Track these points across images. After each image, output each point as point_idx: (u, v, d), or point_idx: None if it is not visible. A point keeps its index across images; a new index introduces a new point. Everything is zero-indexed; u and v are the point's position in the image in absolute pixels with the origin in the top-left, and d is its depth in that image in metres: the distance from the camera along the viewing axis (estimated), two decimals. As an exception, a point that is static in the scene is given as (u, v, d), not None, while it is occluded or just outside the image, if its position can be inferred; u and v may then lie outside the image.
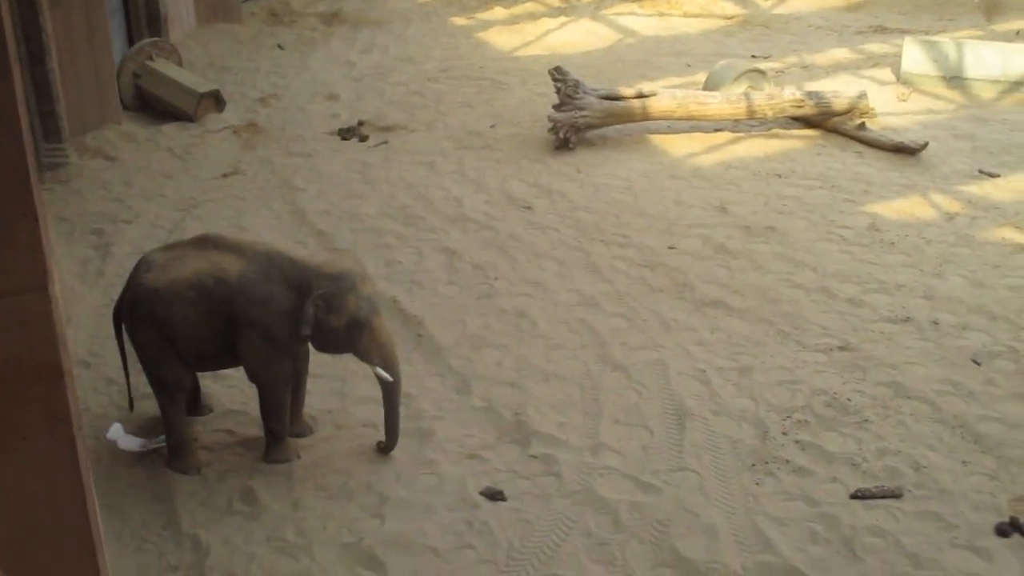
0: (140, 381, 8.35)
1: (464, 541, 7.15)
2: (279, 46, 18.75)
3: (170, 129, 14.90)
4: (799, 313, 9.95)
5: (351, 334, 7.79)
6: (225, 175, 13.47)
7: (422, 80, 17.01)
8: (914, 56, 15.96)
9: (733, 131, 14.29)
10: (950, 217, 11.78)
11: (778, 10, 20.55)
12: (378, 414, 8.52)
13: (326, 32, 19.59)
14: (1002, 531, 7.20)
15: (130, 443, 8.32)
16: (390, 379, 7.96)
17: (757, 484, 7.72)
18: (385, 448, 8.12)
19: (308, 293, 7.64)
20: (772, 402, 8.62)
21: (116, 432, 8.39)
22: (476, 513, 7.47)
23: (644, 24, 19.95)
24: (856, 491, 7.58)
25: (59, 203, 12.51)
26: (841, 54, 17.71)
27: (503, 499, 7.63)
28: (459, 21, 20.56)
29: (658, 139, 14.19)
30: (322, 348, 7.95)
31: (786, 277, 10.62)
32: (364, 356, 7.90)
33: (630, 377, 9.00)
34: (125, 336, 8.07)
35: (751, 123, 14.38)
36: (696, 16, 20.44)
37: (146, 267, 7.88)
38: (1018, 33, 18.24)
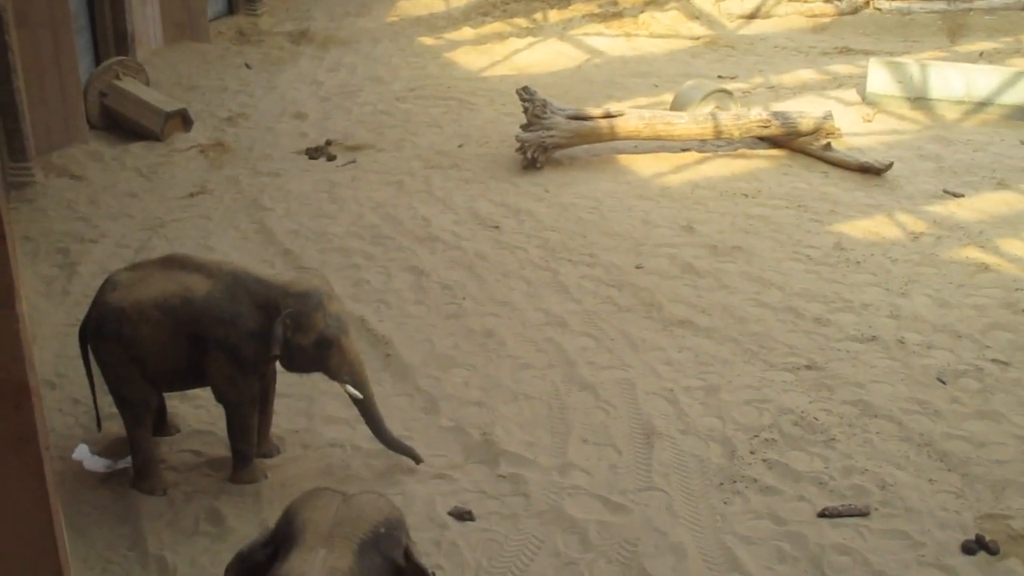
0: (106, 401, 8.30)
1: (432, 561, 7.13)
2: (247, 65, 18.71)
3: (137, 148, 14.84)
4: (766, 332, 10.00)
5: (320, 352, 7.78)
6: (192, 195, 13.43)
7: (390, 100, 17.01)
8: (879, 77, 16.08)
9: (700, 151, 14.35)
10: (915, 237, 11.86)
11: (744, 31, 20.66)
12: (345, 433, 8.53)
13: (294, 51, 19.57)
14: (968, 549, 7.25)
15: (96, 464, 8.29)
16: (360, 396, 7.95)
17: (725, 503, 7.74)
18: (416, 459, 8.16)
19: (275, 312, 7.62)
20: (739, 421, 8.65)
21: (82, 453, 8.35)
22: (444, 533, 7.45)
23: (611, 45, 20.01)
24: (823, 510, 7.61)
25: (24, 222, 12.43)
26: (807, 75, 17.81)
27: (471, 519, 7.62)
28: (427, 41, 20.57)
29: (625, 159, 14.24)
30: (291, 367, 7.93)
31: (753, 296, 10.66)
32: (333, 374, 7.89)
33: (598, 396, 9.02)
34: (91, 356, 8.04)
35: (718, 143, 14.44)
36: (663, 37, 20.52)
37: (112, 287, 7.85)
38: (981, 55, 18.40)
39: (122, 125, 15.27)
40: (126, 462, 8.20)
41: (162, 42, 18.50)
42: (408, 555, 5.38)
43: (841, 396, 8.99)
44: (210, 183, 13.79)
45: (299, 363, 7.88)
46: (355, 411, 8.49)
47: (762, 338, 9.89)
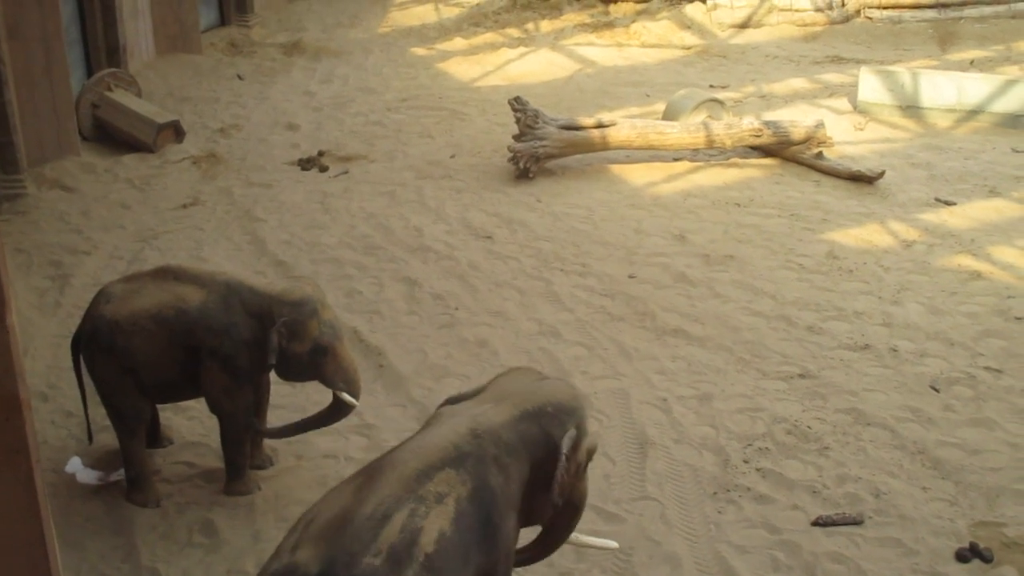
0: (99, 413, 8.28)
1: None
2: (239, 76, 18.71)
3: (129, 160, 14.83)
4: (759, 341, 10.00)
5: (315, 360, 7.78)
6: (185, 206, 13.42)
7: (382, 110, 17.02)
8: (870, 85, 16.11)
9: (692, 160, 14.36)
10: (907, 245, 11.87)
11: (736, 40, 20.69)
12: (339, 444, 8.52)
13: (286, 62, 19.57)
14: (962, 557, 7.25)
15: (89, 476, 8.27)
16: (355, 404, 7.96)
17: (719, 512, 7.74)
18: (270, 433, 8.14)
19: (269, 322, 7.62)
20: (733, 430, 8.65)
21: (75, 465, 8.33)
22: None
23: (603, 54, 20.03)
24: (817, 518, 7.61)
25: (17, 234, 12.42)
26: (798, 84, 17.84)
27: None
28: (419, 51, 20.59)
29: (618, 168, 14.25)
30: (286, 376, 7.93)
31: (745, 305, 10.67)
32: (329, 381, 7.88)
33: (591, 406, 9.01)
34: (84, 368, 8.03)
35: (710, 152, 14.46)
36: (654, 46, 20.55)
37: (105, 299, 7.84)
38: (972, 62, 18.44)
39: (114, 137, 15.27)
40: (119, 474, 8.18)
41: (154, 54, 18.50)
42: (560, 437, 5.72)
43: (834, 404, 8.99)
44: (203, 194, 13.78)
45: (294, 372, 7.88)
46: (348, 421, 8.50)
47: (755, 347, 9.90)
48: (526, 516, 5.84)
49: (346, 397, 7.90)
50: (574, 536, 6.26)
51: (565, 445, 5.68)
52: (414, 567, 5.06)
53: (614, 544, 6.62)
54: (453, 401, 6.12)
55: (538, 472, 5.71)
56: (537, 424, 5.73)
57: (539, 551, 6.25)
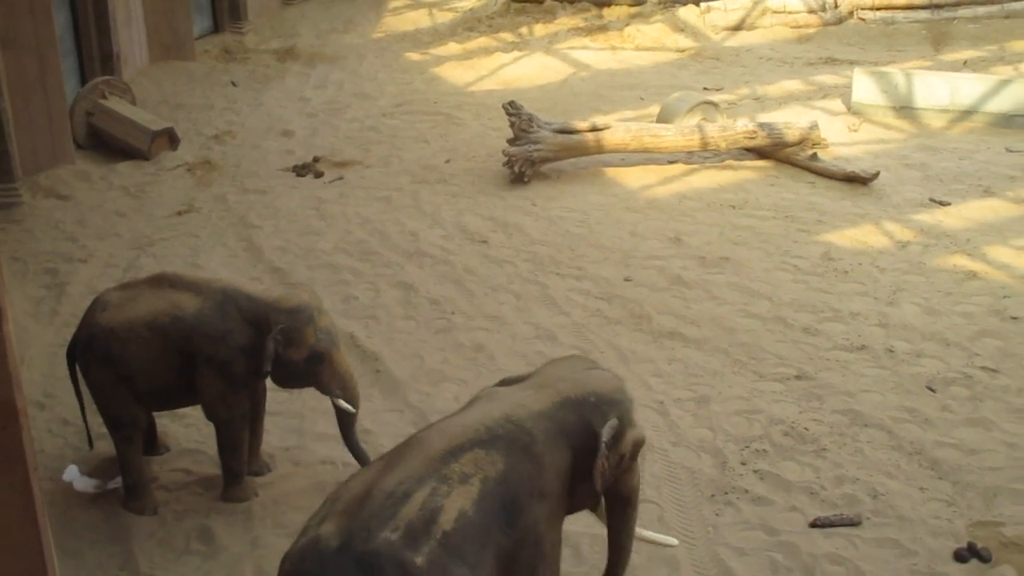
0: (96, 421, 8.28)
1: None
2: (233, 83, 18.71)
3: (124, 167, 14.83)
4: (755, 343, 10.01)
5: (311, 367, 7.78)
6: (180, 213, 13.42)
7: (377, 116, 17.02)
8: (864, 87, 16.12)
9: (687, 163, 14.37)
10: (903, 245, 11.88)
11: (729, 43, 20.70)
12: (337, 450, 8.50)
13: (280, 68, 19.57)
14: (960, 557, 7.25)
15: (86, 484, 8.26)
16: (353, 411, 7.96)
17: (717, 514, 7.74)
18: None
19: (266, 328, 7.62)
20: (730, 432, 8.66)
21: (72, 473, 8.33)
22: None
23: (597, 58, 20.04)
24: (815, 519, 7.61)
25: (12, 243, 12.42)
26: (792, 85, 17.85)
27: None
28: (413, 56, 20.59)
29: (613, 172, 14.26)
30: (283, 383, 7.94)
31: (742, 307, 10.67)
32: (325, 388, 7.89)
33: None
34: (80, 376, 8.02)
35: (705, 155, 14.46)
36: (648, 49, 20.55)
37: (101, 307, 7.84)
38: (965, 63, 18.46)
39: (109, 144, 15.26)
40: (116, 482, 8.18)
41: (148, 61, 18.51)
42: (601, 427, 5.77)
43: (831, 405, 9.00)
44: (198, 201, 13.78)
45: (291, 379, 7.88)
46: (345, 428, 8.51)
47: (751, 348, 9.90)
48: (571, 504, 5.93)
49: (343, 404, 7.90)
50: (638, 531, 6.36)
51: (605, 434, 5.74)
52: (431, 544, 5.15)
53: (674, 541, 6.72)
54: (503, 384, 6.25)
55: (581, 461, 5.77)
56: (577, 412, 5.80)
57: (613, 558, 6.37)
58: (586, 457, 5.78)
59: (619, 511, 6.22)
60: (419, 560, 5.09)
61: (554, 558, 5.81)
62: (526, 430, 5.66)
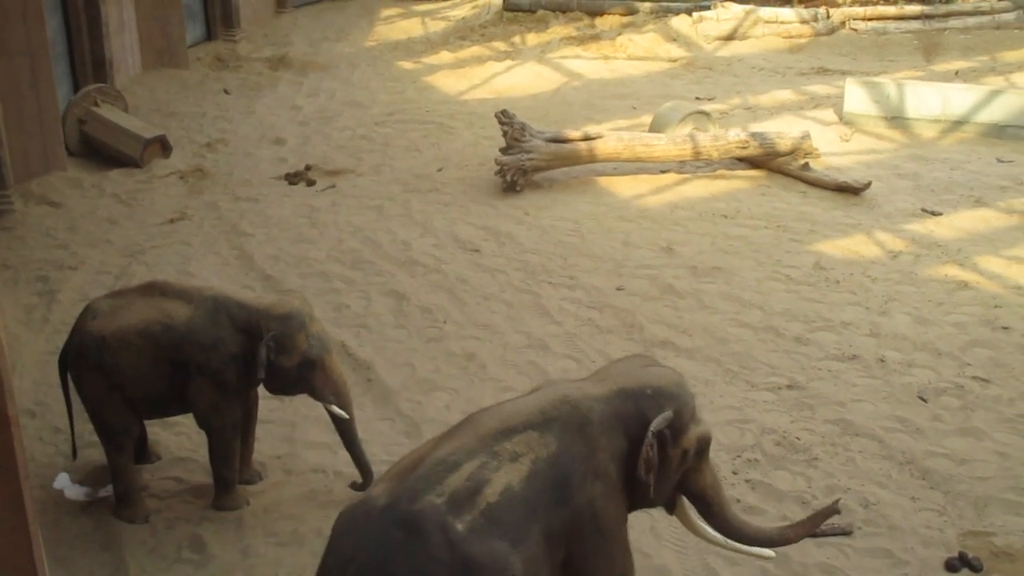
0: (86, 429, 8.26)
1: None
2: (225, 91, 18.71)
3: (116, 175, 14.81)
4: (747, 352, 10.01)
5: (303, 373, 7.77)
6: (172, 221, 13.41)
7: (369, 124, 17.02)
8: (856, 97, 16.16)
9: (679, 172, 14.38)
10: (894, 255, 11.90)
11: (722, 52, 20.75)
12: (328, 458, 8.50)
13: (272, 77, 19.57)
14: (951, 566, 7.26)
15: (77, 492, 8.24)
16: (346, 416, 7.94)
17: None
18: (362, 485, 8.03)
19: (257, 336, 7.61)
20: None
21: (63, 482, 8.31)
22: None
23: (589, 67, 20.07)
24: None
25: (3, 250, 12.39)
26: (784, 95, 17.89)
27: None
28: (405, 65, 20.61)
29: (605, 181, 14.27)
30: (275, 390, 7.93)
31: (733, 317, 10.68)
32: (318, 394, 7.88)
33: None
34: (71, 384, 8.00)
35: (697, 164, 14.49)
36: (641, 59, 20.59)
37: (92, 314, 7.83)
38: (957, 73, 18.52)
39: (101, 152, 15.25)
40: (107, 490, 8.16)
41: (140, 69, 18.51)
42: (653, 418, 5.82)
43: (823, 415, 9.00)
44: (189, 209, 13.77)
45: (283, 385, 7.87)
46: (337, 436, 8.48)
47: (743, 358, 9.91)
48: (632, 497, 5.98)
49: (335, 410, 7.89)
50: (728, 541, 6.40)
51: (656, 423, 5.79)
52: (473, 512, 5.25)
53: (771, 553, 6.67)
54: None
55: (636, 451, 5.83)
56: (634, 403, 5.87)
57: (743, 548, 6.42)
58: (640, 448, 5.84)
59: (706, 512, 6.28)
60: (460, 526, 5.19)
61: (619, 536, 5.89)
62: (581, 411, 5.75)
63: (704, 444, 6.11)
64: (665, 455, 5.86)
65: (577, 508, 5.60)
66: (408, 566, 5.10)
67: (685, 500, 6.26)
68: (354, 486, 8.08)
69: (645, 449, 5.75)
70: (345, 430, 8.02)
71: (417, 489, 5.27)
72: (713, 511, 6.25)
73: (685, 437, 5.95)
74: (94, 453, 8.37)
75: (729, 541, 6.39)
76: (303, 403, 8.39)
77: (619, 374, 6.11)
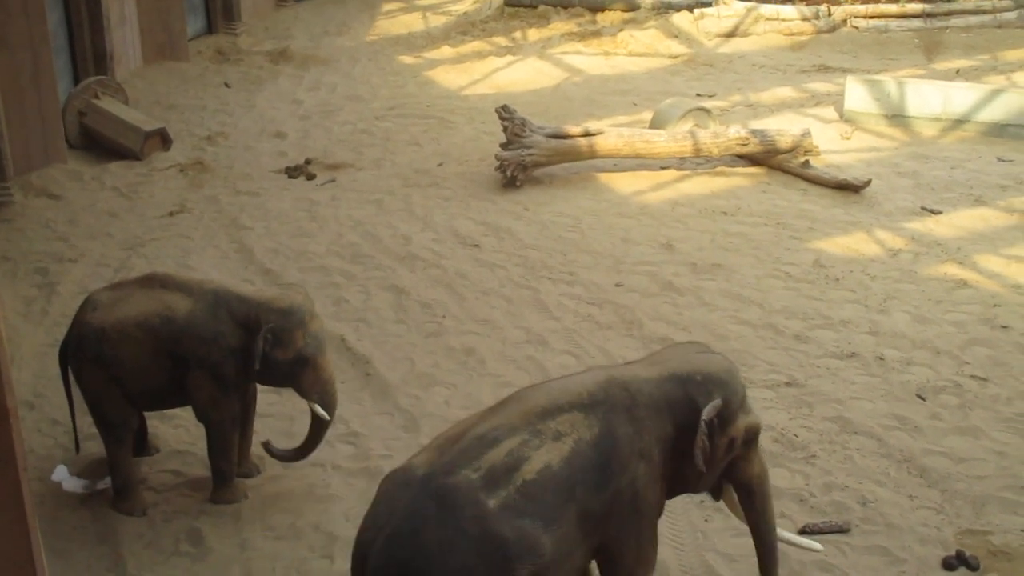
0: (85, 422, 8.26)
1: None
2: (226, 84, 18.70)
3: (116, 167, 14.81)
4: (746, 350, 10.01)
5: (295, 369, 7.78)
6: (171, 214, 13.40)
7: (369, 118, 17.02)
8: (857, 95, 16.15)
9: (679, 169, 14.38)
10: (894, 253, 11.90)
11: (723, 49, 20.73)
12: (326, 453, 8.51)
13: (273, 70, 19.56)
14: (949, 565, 7.26)
15: (75, 485, 8.25)
16: (328, 418, 7.97)
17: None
18: (285, 456, 8.14)
19: (256, 328, 7.61)
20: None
21: (61, 474, 8.31)
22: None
23: (590, 63, 20.05)
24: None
25: (3, 242, 12.40)
26: (785, 93, 17.88)
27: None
28: (406, 59, 20.60)
29: (605, 177, 14.26)
30: (264, 380, 7.92)
31: (733, 314, 10.68)
32: (305, 392, 7.89)
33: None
34: (71, 376, 8.01)
35: (697, 161, 14.48)
36: (641, 55, 20.57)
37: (92, 306, 7.83)
38: (958, 72, 18.51)
39: (101, 144, 15.25)
40: (105, 483, 8.16)
41: (141, 61, 18.49)
42: (703, 404, 5.92)
43: (821, 413, 9.00)
44: (189, 202, 13.76)
45: (273, 377, 7.87)
46: (335, 430, 8.51)
47: (742, 355, 9.90)
48: (676, 482, 6.08)
49: (318, 410, 7.90)
50: (782, 534, 6.52)
51: (706, 412, 5.86)
52: (508, 489, 5.37)
53: (819, 547, 6.77)
54: None
55: (683, 436, 5.90)
56: (683, 388, 5.95)
57: (761, 556, 6.52)
58: (688, 434, 5.90)
59: (747, 502, 6.35)
60: (491, 503, 5.31)
61: (651, 519, 5.95)
62: (629, 393, 5.83)
63: (752, 434, 6.18)
64: (713, 443, 5.94)
65: (618, 489, 5.67)
66: (436, 538, 5.23)
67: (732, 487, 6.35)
68: (266, 445, 8.12)
69: (700, 438, 5.83)
70: (318, 429, 8.03)
71: (455, 463, 5.39)
72: (755, 502, 6.33)
73: (733, 426, 6.03)
74: (92, 446, 8.37)
75: (779, 531, 6.50)
76: (301, 398, 8.38)
77: (671, 359, 6.17)
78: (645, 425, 5.82)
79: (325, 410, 7.92)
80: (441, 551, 5.21)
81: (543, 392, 5.89)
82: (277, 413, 9.07)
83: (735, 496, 6.40)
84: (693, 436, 5.87)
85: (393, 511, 5.35)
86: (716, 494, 6.41)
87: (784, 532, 6.61)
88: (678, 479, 6.05)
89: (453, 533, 5.23)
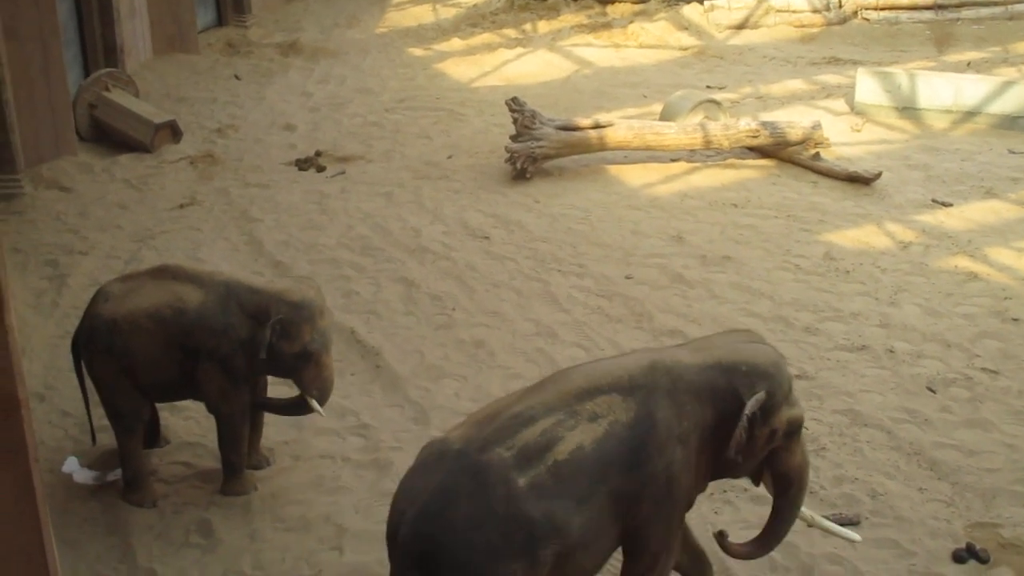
0: (97, 413, 8.28)
1: None
2: (236, 77, 18.71)
3: (126, 160, 14.83)
4: (756, 342, 9.98)
5: (298, 363, 7.78)
6: (182, 206, 13.42)
7: (379, 111, 17.02)
8: (867, 87, 16.12)
9: (689, 161, 14.36)
10: (904, 246, 11.88)
11: (733, 41, 20.70)
12: (336, 445, 8.54)
13: (283, 63, 19.56)
14: (959, 557, 7.26)
15: (85, 476, 8.26)
16: (322, 414, 8.00)
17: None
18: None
19: (266, 319, 7.61)
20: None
21: (71, 465, 8.33)
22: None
23: (600, 55, 20.04)
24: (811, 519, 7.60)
25: (14, 234, 12.41)
26: (795, 85, 17.84)
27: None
28: (416, 52, 20.58)
29: (615, 169, 14.25)
30: (267, 370, 7.92)
31: (743, 306, 10.67)
32: (304, 386, 7.88)
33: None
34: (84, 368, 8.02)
35: (707, 153, 14.46)
36: (652, 47, 20.54)
37: (104, 298, 7.84)
38: (969, 64, 18.46)
39: (111, 137, 15.26)
40: (115, 474, 8.18)
41: (151, 54, 18.50)
42: (748, 396, 5.90)
43: (831, 405, 8.99)
44: (200, 194, 13.78)
45: (276, 369, 7.87)
46: (346, 422, 8.55)
47: (752, 348, 9.88)
48: (713, 468, 6.10)
49: (315, 405, 7.91)
50: (816, 519, 6.57)
51: (750, 406, 5.86)
52: (539, 468, 5.43)
53: (856, 537, 6.79)
54: None
55: (723, 425, 5.91)
56: (726, 377, 5.95)
57: (766, 529, 6.50)
58: (729, 423, 5.91)
59: (779, 490, 6.36)
60: (522, 481, 5.37)
61: (682, 505, 5.98)
62: (671, 378, 5.86)
63: (795, 427, 6.17)
64: (752, 433, 5.94)
65: (653, 473, 5.70)
66: (465, 515, 5.30)
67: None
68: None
69: (739, 432, 5.84)
70: (295, 413, 8.14)
71: (489, 440, 5.46)
72: (790, 493, 6.33)
73: (776, 417, 6.03)
74: (102, 437, 8.39)
75: (816, 518, 6.56)
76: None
77: (718, 347, 6.16)
78: (685, 410, 5.84)
79: (321, 405, 7.95)
80: (468, 527, 5.29)
81: (584, 373, 5.93)
82: (287, 405, 9.08)
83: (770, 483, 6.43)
84: (733, 425, 5.88)
85: (426, 485, 5.43)
86: (756, 480, 6.43)
87: (822, 519, 6.66)
88: (718, 464, 6.07)
89: (481, 510, 5.31)
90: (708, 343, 6.30)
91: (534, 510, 5.36)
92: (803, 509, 6.45)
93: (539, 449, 5.45)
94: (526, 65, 19.50)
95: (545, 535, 5.38)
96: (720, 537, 6.54)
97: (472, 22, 22.28)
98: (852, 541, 6.83)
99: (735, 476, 6.39)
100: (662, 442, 5.72)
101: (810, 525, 6.61)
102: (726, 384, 5.93)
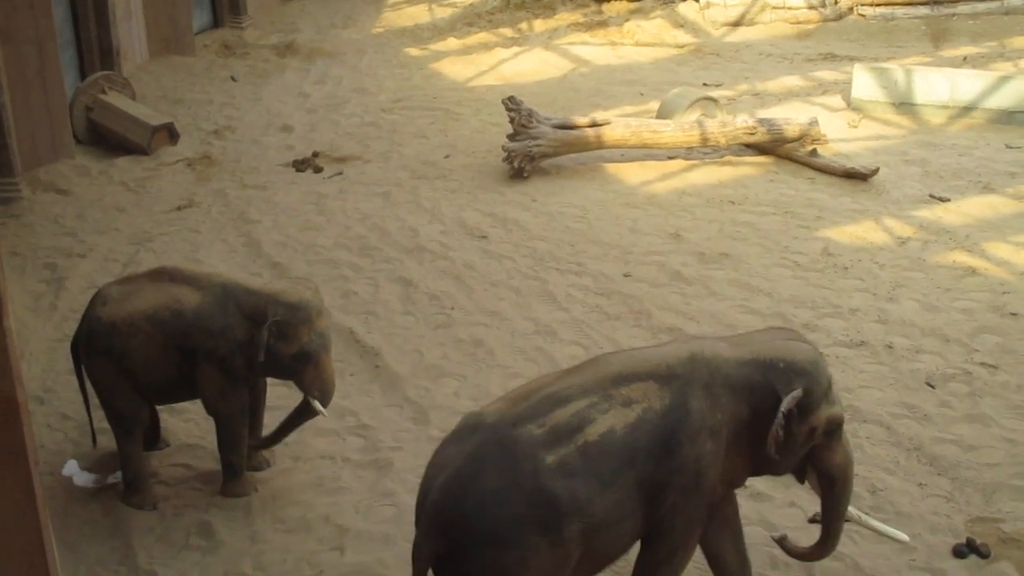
0: (97, 416, 8.27)
1: None
2: (232, 78, 18.70)
3: (124, 162, 14.82)
4: (755, 339, 9.99)
5: (297, 365, 7.78)
6: (179, 208, 13.42)
7: (376, 111, 17.01)
8: (864, 83, 16.12)
9: (686, 159, 14.36)
10: (902, 241, 11.88)
11: (729, 38, 20.70)
12: (336, 445, 8.53)
13: (279, 64, 19.55)
14: (959, 552, 7.26)
15: (85, 479, 8.27)
16: (325, 415, 7.99)
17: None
18: (257, 444, 8.24)
19: (262, 319, 7.61)
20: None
21: (71, 468, 8.33)
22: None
23: (597, 53, 20.03)
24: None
25: (11, 237, 12.41)
26: (792, 81, 17.84)
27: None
28: (413, 52, 20.58)
29: (612, 167, 14.25)
30: (266, 372, 7.91)
31: (741, 303, 10.67)
32: (305, 387, 7.88)
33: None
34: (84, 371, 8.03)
35: (704, 150, 14.46)
36: (648, 45, 20.54)
37: (102, 301, 7.85)
38: (965, 59, 18.46)
39: (108, 139, 15.26)
40: (116, 477, 8.18)
41: (147, 56, 18.50)
42: (785, 393, 5.92)
43: (830, 401, 8.98)
44: (197, 196, 13.77)
45: (275, 370, 7.87)
46: (345, 423, 8.54)
47: (751, 344, 9.89)
48: (752, 464, 6.13)
49: (318, 406, 7.91)
50: (864, 518, 6.63)
51: (786, 403, 5.88)
52: (569, 447, 5.53)
53: (905, 537, 6.79)
54: None
55: (758, 421, 5.94)
56: (763, 373, 5.98)
57: (822, 536, 6.54)
58: (764, 419, 5.93)
59: (824, 488, 6.38)
60: (550, 459, 5.48)
61: (707, 498, 5.99)
62: (709, 370, 5.91)
63: (834, 425, 6.17)
64: (790, 431, 5.95)
65: (683, 462, 5.75)
66: (491, 487, 5.40)
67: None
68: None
69: (775, 428, 5.86)
70: (302, 417, 8.08)
71: (522, 416, 5.57)
72: (834, 489, 6.34)
73: (814, 415, 6.03)
74: (102, 440, 8.39)
75: (863, 516, 6.60)
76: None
77: (757, 342, 6.20)
78: (720, 403, 5.87)
79: (323, 406, 7.94)
80: (494, 499, 5.39)
81: (622, 359, 6.02)
82: (287, 406, 9.02)
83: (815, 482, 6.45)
84: (769, 422, 5.89)
85: (459, 453, 5.56)
86: (800, 477, 6.45)
87: (870, 519, 6.69)
88: (757, 460, 6.10)
89: (508, 483, 5.41)
90: (749, 339, 6.33)
91: (559, 487, 5.44)
92: (850, 508, 6.47)
93: (570, 429, 5.56)
94: (522, 64, 19.50)
95: (569, 512, 5.46)
96: (782, 541, 6.63)
97: (468, 21, 22.27)
98: (902, 542, 6.83)
99: (776, 473, 6.40)
100: (694, 433, 5.77)
101: (855, 521, 6.62)
102: (762, 380, 5.95)
